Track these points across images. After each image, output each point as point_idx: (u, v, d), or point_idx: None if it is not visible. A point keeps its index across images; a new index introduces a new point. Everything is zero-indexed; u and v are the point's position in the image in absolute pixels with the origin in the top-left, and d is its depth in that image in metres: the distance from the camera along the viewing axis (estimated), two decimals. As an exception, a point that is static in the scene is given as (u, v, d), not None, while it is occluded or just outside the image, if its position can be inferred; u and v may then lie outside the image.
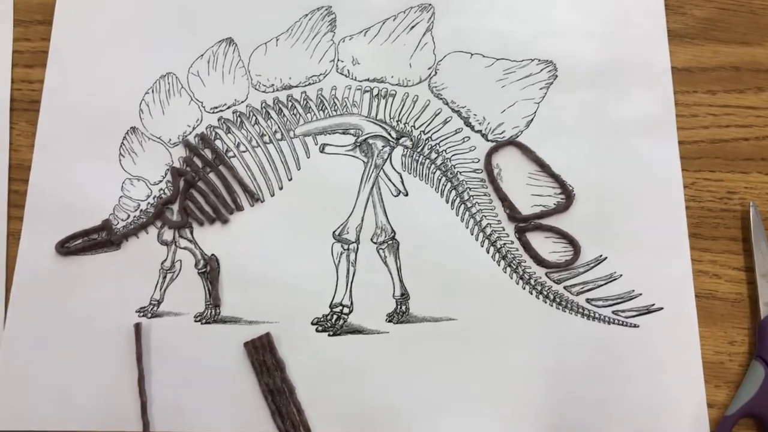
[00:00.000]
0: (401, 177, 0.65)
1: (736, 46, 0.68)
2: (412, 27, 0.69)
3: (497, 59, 0.68)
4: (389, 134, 0.66)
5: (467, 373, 0.60)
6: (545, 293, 0.62)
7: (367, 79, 0.68)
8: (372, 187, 0.65)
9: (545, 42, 0.68)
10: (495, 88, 0.67)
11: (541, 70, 0.67)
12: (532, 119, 0.66)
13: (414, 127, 0.67)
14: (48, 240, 0.64)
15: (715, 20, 0.69)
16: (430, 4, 0.70)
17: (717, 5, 0.69)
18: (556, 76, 0.67)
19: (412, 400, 0.60)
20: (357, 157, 0.66)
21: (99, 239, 0.64)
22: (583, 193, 0.64)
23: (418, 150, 0.66)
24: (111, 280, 0.63)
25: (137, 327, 0.61)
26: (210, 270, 0.63)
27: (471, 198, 0.64)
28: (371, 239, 0.64)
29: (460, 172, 0.65)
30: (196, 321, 0.62)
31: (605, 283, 0.62)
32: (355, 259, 0.63)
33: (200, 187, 0.65)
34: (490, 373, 0.60)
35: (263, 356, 0.60)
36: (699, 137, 0.66)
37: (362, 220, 0.64)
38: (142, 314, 0.62)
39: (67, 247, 0.63)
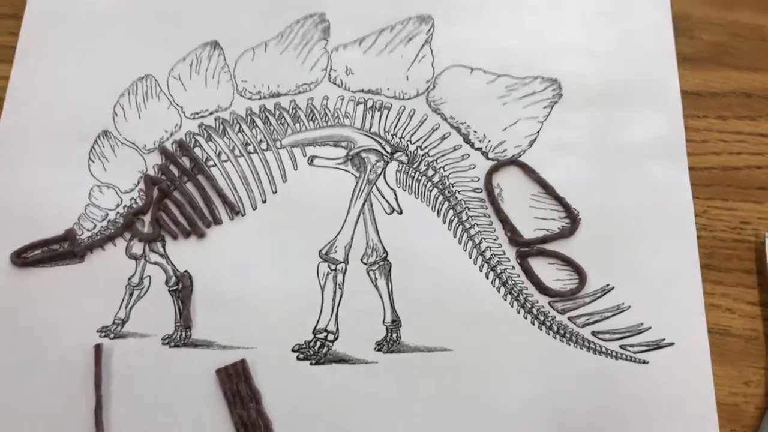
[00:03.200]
0: (395, 194, 0.61)
1: (747, 72, 0.66)
2: (410, 39, 0.66)
3: (499, 75, 0.65)
4: (383, 148, 0.62)
5: (462, 409, 0.55)
6: (548, 324, 0.57)
7: (361, 90, 0.64)
8: (363, 204, 0.60)
9: (549, 60, 0.65)
10: (496, 105, 0.64)
11: (545, 88, 0.64)
12: (535, 138, 0.63)
13: (410, 141, 0.62)
14: (2, 249, 0.58)
15: (725, 45, 0.67)
16: (429, 16, 0.66)
17: (727, 30, 0.67)
18: (561, 95, 0.64)
19: (402, 437, 0.54)
20: (348, 171, 0.61)
21: (60, 250, 0.58)
22: (589, 218, 0.60)
23: (414, 166, 0.62)
24: (71, 295, 0.57)
25: (98, 348, 0.55)
26: (182, 288, 0.58)
27: (470, 219, 0.60)
28: (361, 259, 0.59)
29: (459, 191, 0.61)
30: (164, 344, 0.56)
31: (612, 315, 0.58)
32: (343, 280, 0.58)
33: (175, 198, 0.60)
34: (487, 409, 0.55)
35: (237, 385, 0.55)
36: (710, 163, 0.62)
37: (352, 239, 0.59)
38: (104, 334, 0.56)
39: (24, 258, 0.58)
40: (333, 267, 0.59)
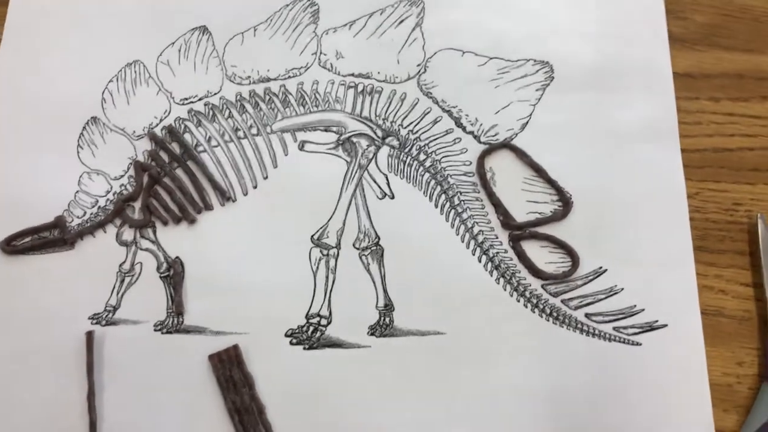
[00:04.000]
0: (387, 178, 0.61)
1: (739, 53, 0.65)
2: (401, 21, 0.65)
3: (490, 58, 0.64)
4: (375, 133, 0.62)
5: (455, 392, 0.55)
6: (541, 307, 0.57)
7: (352, 74, 0.63)
8: (355, 189, 0.60)
9: (541, 42, 0.65)
10: (488, 88, 0.63)
11: (537, 70, 0.64)
12: (527, 121, 0.62)
13: (401, 126, 0.62)
14: (-8, 237, 0.58)
15: (718, 26, 0.66)
16: (420, -1, 0.66)
17: (719, 11, 0.67)
18: (553, 77, 0.64)
19: (396, 420, 0.54)
20: (339, 156, 0.61)
21: (50, 237, 0.58)
22: (582, 201, 0.60)
23: (406, 150, 0.61)
24: (62, 282, 0.57)
25: (89, 335, 0.55)
26: (173, 274, 0.57)
27: (462, 203, 0.60)
28: (353, 245, 0.59)
29: (451, 175, 0.61)
30: (156, 330, 0.56)
31: (605, 297, 0.58)
32: (335, 265, 0.58)
33: (166, 184, 0.60)
34: (480, 392, 0.55)
35: (230, 371, 0.55)
36: (702, 145, 0.62)
37: (344, 224, 0.59)
38: (95, 321, 0.56)
39: (14, 246, 0.58)
40: (325, 252, 0.58)
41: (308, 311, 0.57)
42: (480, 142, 0.62)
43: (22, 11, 0.65)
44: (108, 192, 0.60)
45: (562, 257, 0.59)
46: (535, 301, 0.57)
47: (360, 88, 0.63)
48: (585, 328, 0.57)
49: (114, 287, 0.57)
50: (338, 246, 0.58)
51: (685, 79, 0.64)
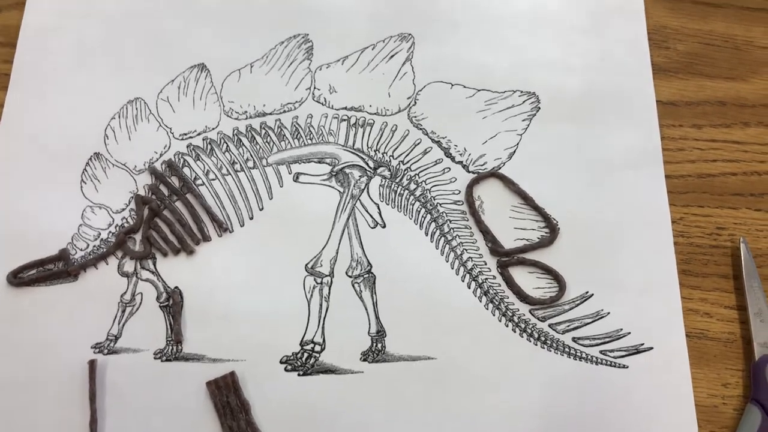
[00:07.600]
0: (378, 208, 0.63)
1: (720, 81, 0.67)
2: (392, 56, 0.67)
3: (478, 90, 0.66)
4: (366, 164, 0.64)
5: (447, 416, 0.56)
6: (529, 331, 0.59)
7: (345, 108, 0.66)
8: (348, 218, 0.62)
9: (527, 74, 0.67)
10: (476, 119, 0.65)
11: (524, 101, 0.66)
12: (514, 151, 0.64)
13: (392, 156, 0.64)
14: (-1, 270, 0.60)
15: (699, 55, 0.68)
16: (409, 34, 0.68)
17: (700, 40, 0.69)
18: (539, 108, 0.66)
19: (388, 445, 0.56)
20: (333, 187, 0.63)
21: (55, 269, 0.60)
22: (568, 227, 0.62)
23: (397, 180, 0.63)
24: (66, 313, 0.59)
25: (92, 364, 0.57)
26: (173, 303, 0.59)
27: (451, 231, 0.62)
28: (346, 273, 0.60)
29: (440, 204, 0.63)
30: (155, 358, 0.58)
31: (592, 321, 0.59)
32: (329, 293, 0.60)
33: (165, 216, 0.62)
34: (471, 415, 0.56)
35: (227, 397, 0.56)
36: (686, 171, 0.64)
37: (337, 253, 0.61)
38: (97, 350, 0.58)
39: (20, 278, 0.59)
40: (319, 280, 0.60)
41: (302, 338, 0.58)
42: (468, 171, 0.64)
43: (30, 52, 0.67)
44: (110, 225, 0.62)
45: (550, 282, 0.60)
46: (523, 325, 0.59)
47: (352, 120, 0.65)
48: (572, 351, 0.58)
49: (115, 317, 0.59)
50: (331, 274, 0.60)
51: (669, 107, 0.66)
